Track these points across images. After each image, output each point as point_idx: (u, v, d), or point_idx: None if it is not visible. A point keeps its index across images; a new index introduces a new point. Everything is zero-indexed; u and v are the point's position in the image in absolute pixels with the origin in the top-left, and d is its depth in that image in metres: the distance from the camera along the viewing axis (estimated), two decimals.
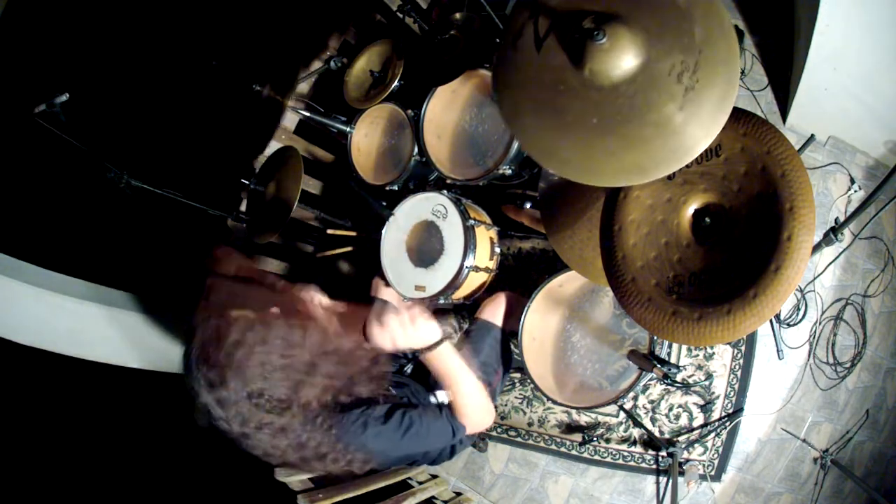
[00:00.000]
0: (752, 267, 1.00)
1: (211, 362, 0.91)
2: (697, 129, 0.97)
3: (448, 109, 1.98)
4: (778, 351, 1.94)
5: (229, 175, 2.30)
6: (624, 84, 1.02)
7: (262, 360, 0.91)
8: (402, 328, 1.14)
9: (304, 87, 2.42)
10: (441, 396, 1.46)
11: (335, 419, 1.03)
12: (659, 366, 1.48)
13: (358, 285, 2.63)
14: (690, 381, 2.01)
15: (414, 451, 1.30)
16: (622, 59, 1.01)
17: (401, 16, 2.23)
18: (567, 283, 1.76)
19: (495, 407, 2.30)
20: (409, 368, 1.67)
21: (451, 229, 1.77)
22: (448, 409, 1.23)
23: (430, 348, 1.17)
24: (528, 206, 1.99)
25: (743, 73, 2.15)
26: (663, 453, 2.00)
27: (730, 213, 1.06)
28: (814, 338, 1.96)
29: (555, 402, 1.70)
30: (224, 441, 0.96)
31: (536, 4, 1.14)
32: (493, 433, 2.35)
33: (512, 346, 1.86)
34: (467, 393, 1.23)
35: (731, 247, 1.05)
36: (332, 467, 1.05)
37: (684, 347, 2.01)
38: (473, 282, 1.83)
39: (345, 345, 1.06)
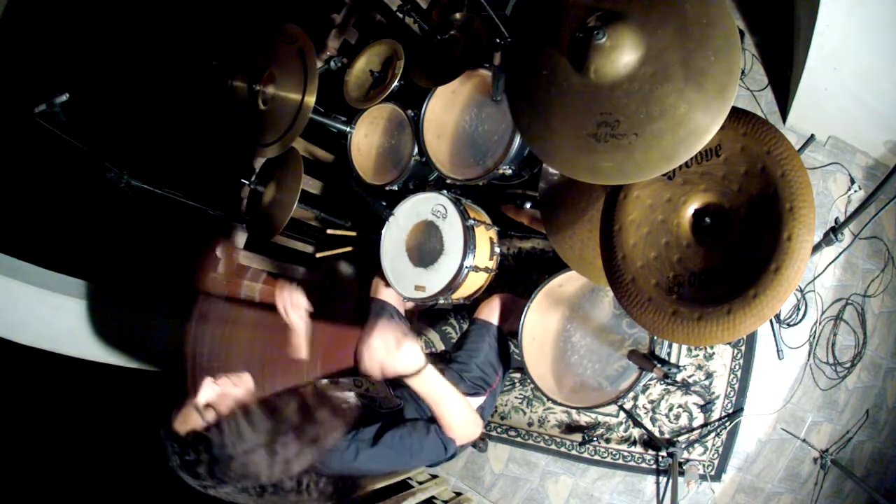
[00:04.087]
0: (752, 267, 1.00)
1: (178, 448, 0.97)
2: (716, 87, 0.96)
3: (448, 109, 1.98)
4: (778, 351, 1.94)
5: (229, 175, 2.30)
6: (626, 81, 1.02)
7: (222, 470, 0.94)
8: (389, 354, 1.11)
9: None
10: None
11: (321, 479, 1.05)
12: (659, 366, 1.48)
13: (358, 285, 2.63)
14: (690, 381, 2.01)
15: (408, 466, 1.31)
16: (624, 55, 1.02)
17: (401, 16, 2.22)
18: (567, 283, 1.76)
19: (495, 408, 2.31)
20: None
21: (451, 229, 1.77)
22: (437, 427, 1.21)
23: (415, 374, 1.14)
24: (528, 206, 1.99)
25: (743, 73, 2.15)
26: (663, 453, 2.00)
27: (730, 213, 1.06)
28: (814, 338, 1.96)
29: (555, 402, 1.70)
30: None
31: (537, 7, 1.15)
32: (493, 433, 2.35)
33: (512, 346, 1.86)
34: (453, 411, 1.21)
35: (732, 247, 1.05)
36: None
37: (684, 347, 2.01)
38: (473, 282, 1.82)
39: (292, 407, 1.04)
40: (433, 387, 1.18)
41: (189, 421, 0.98)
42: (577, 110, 1.08)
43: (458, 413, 1.22)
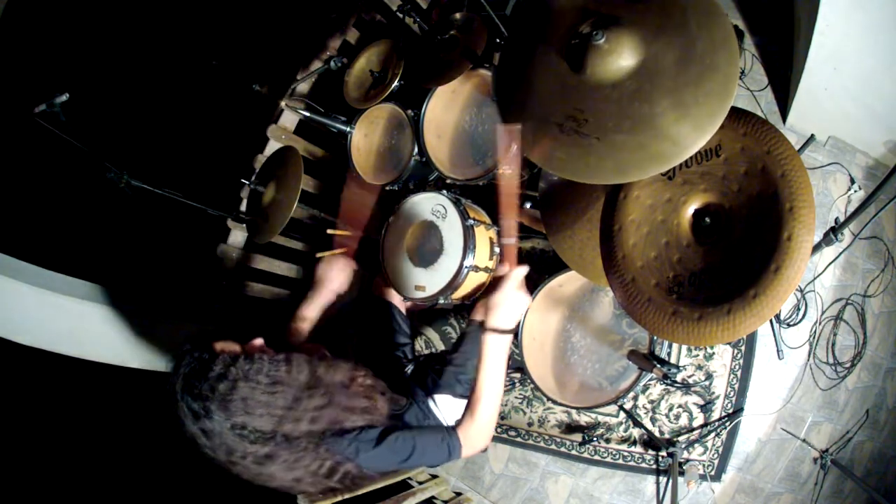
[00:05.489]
0: (752, 267, 1.00)
1: (194, 394, 0.93)
2: (693, 125, 0.97)
3: (448, 109, 1.98)
4: (778, 351, 1.94)
5: (229, 175, 2.30)
6: (609, 87, 1.03)
7: (244, 395, 0.92)
8: (515, 301, 1.21)
9: (303, 87, 2.42)
10: (440, 401, 1.45)
11: (323, 444, 1.02)
12: (659, 366, 1.48)
13: (358, 285, 2.62)
14: (690, 381, 2.01)
15: (406, 468, 1.30)
16: (618, 62, 1.02)
17: (401, 16, 2.22)
18: (567, 283, 1.76)
19: None
20: (409, 369, 1.67)
21: (451, 229, 1.77)
22: (447, 430, 1.19)
23: (507, 332, 1.20)
24: (528, 205, 1.99)
25: (743, 73, 2.15)
26: (663, 453, 2.00)
27: (730, 213, 1.07)
28: (814, 338, 1.96)
29: (555, 402, 1.71)
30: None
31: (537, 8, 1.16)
32: (494, 433, 2.35)
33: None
34: (491, 397, 1.20)
35: (732, 247, 1.05)
36: (321, 486, 1.06)
37: (684, 347, 2.01)
38: (473, 282, 1.82)
39: (335, 378, 1.05)
40: (499, 358, 1.21)
41: (231, 345, 0.98)
42: (552, 95, 1.09)
43: (492, 405, 1.20)
